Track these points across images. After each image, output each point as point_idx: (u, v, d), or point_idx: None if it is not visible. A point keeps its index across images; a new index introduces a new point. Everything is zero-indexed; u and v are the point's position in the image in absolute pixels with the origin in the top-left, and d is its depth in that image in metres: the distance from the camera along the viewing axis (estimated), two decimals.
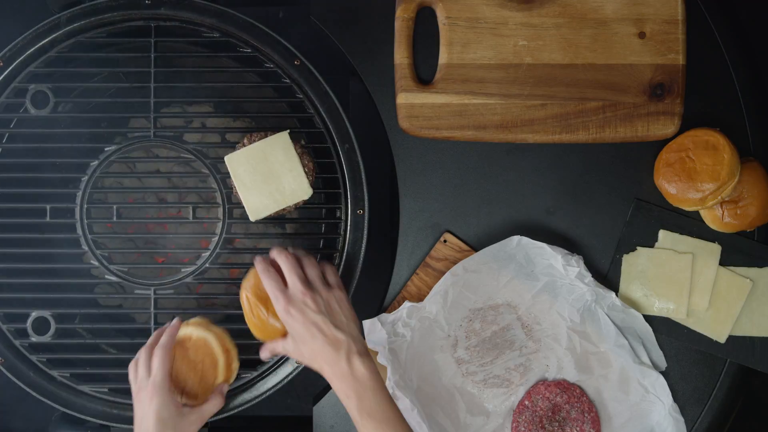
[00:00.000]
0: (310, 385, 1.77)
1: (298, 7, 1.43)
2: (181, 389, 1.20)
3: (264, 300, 1.18)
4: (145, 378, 1.15)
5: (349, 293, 1.29)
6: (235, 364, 1.24)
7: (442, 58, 1.30)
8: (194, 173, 1.31)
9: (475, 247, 1.31)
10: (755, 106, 1.32)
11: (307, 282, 1.15)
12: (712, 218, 1.28)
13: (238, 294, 1.30)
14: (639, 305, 1.30)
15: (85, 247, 1.29)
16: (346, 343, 1.11)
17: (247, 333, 1.22)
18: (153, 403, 1.12)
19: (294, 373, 1.29)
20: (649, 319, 1.29)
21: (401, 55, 1.29)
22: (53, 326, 1.29)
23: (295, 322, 1.12)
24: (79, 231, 1.29)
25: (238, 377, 1.29)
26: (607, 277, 1.31)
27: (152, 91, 1.29)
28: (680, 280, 1.29)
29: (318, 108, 1.29)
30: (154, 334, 1.20)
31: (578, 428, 1.27)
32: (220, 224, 1.30)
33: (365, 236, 1.28)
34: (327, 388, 1.34)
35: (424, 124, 1.29)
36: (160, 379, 1.13)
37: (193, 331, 1.21)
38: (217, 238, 1.30)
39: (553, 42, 1.29)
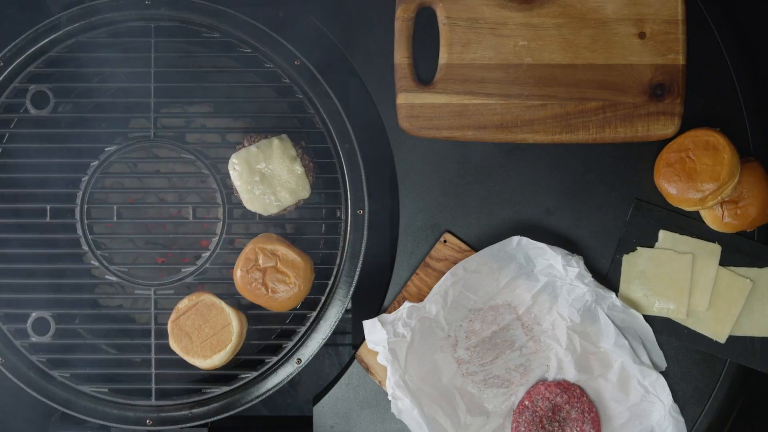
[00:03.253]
0: (311, 385, 1.77)
1: (298, 7, 1.42)
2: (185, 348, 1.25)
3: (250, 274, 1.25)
4: None
5: (349, 293, 1.29)
6: (245, 330, 1.27)
7: (442, 58, 1.30)
8: (194, 173, 1.31)
9: (476, 247, 1.31)
10: (755, 106, 1.32)
11: None
12: (712, 218, 1.28)
13: (238, 294, 1.30)
14: (639, 305, 1.30)
15: (85, 248, 1.29)
16: None
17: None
18: None
19: (294, 373, 1.29)
20: (649, 319, 1.29)
21: (401, 55, 1.29)
22: (53, 326, 1.28)
23: None
24: (80, 231, 1.29)
25: (237, 377, 1.29)
26: (607, 277, 1.31)
27: (152, 91, 1.29)
28: (680, 281, 1.29)
29: (318, 108, 1.29)
30: None
31: (578, 428, 1.27)
32: (220, 224, 1.30)
33: (365, 236, 1.28)
34: (327, 388, 1.34)
35: (424, 124, 1.29)
36: None
37: (207, 297, 1.25)
38: (217, 238, 1.30)
39: (553, 42, 1.29)
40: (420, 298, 1.31)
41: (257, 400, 1.29)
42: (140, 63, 1.30)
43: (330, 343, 1.32)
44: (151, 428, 1.29)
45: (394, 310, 1.30)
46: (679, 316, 1.30)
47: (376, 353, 1.28)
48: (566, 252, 1.27)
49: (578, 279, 1.26)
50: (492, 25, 1.29)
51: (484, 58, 1.29)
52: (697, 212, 1.30)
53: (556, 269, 1.27)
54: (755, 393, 1.34)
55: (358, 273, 1.29)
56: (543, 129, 1.29)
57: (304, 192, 1.26)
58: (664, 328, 1.30)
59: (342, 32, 1.33)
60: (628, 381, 1.28)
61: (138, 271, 1.31)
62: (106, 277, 1.30)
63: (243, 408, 1.29)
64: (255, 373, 1.29)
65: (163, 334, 1.27)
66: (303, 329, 1.30)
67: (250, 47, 1.30)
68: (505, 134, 1.29)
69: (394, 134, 1.33)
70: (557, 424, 1.28)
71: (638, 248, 1.31)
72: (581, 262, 1.27)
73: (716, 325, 1.29)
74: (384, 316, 1.28)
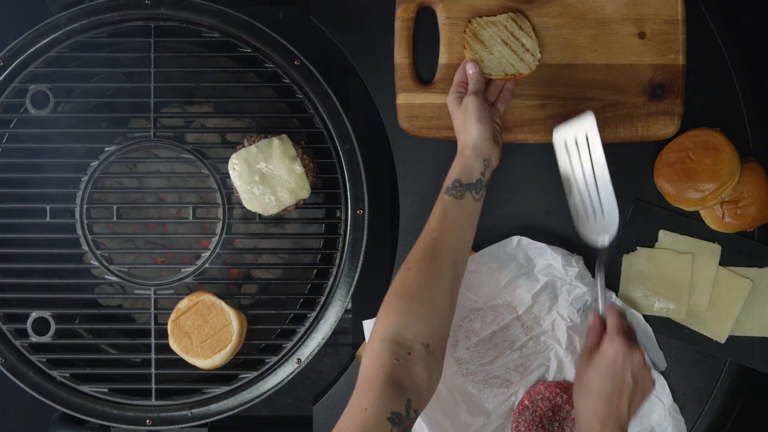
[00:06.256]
0: (310, 385, 1.78)
1: (298, 7, 1.43)
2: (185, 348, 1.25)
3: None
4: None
5: (349, 293, 1.29)
6: (245, 331, 1.27)
7: (442, 58, 1.30)
8: (194, 173, 1.31)
9: (475, 247, 1.31)
10: (755, 106, 1.32)
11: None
12: (712, 218, 1.28)
13: (238, 294, 1.30)
14: (639, 305, 1.30)
15: (85, 247, 1.29)
16: None
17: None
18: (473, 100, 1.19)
19: (294, 373, 1.29)
20: (649, 319, 1.29)
21: (401, 55, 1.29)
22: (53, 326, 1.28)
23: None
24: (79, 231, 1.29)
25: (237, 377, 1.29)
26: (607, 277, 1.31)
27: (152, 91, 1.29)
28: (680, 281, 1.29)
29: (318, 108, 1.29)
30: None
31: None
32: (220, 224, 1.30)
33: (365, 236, 1.28)
34: (327, 388, 1.34)
35: (424, 124, 1.29)
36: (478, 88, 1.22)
37: (207, 297, 1.25)
38: (217, 238, 1.30)
39: (553, 42, 1.29)
40: None
41: (257, 400, 1.29)
42: (140, 63, 1.30)
43: (330, 343, 1.32)
44: (151, 428, 1.29)
45: None
46: (679, 316, 1.30)
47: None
48: (566, 252, 1.27)
49: (578, 279, 1.26)
50: None
51: None
52: (697, 212, 1.30)
53: (556, 269, 1.27)
54: (755, 393, 1.34)
55: (358, 273, 1.29)
56: (543, 129, 1.29)
57: (304, 192, 1.26)
58: (664, 328, 1.30)
59: (342, 32, 1.33)
60: None
61: (138, 271, 1.31)
62: (106, 277, 1.30)
63: (243, 408, 1.29)
64: (255, 373, 1.29)
65: (163, 334, 1.27)
66: (303, 329, 1.30)
67: (250, 47, 1.30)
68: (505, 134, 1.29)
69: (394, 134, 1.33)
70: (557, 424, 1.28)
71: (638, 248, 1.31)
72: (581, 262, 1.27)
73: (716, 325, 1.29)
74: None
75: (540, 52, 1.26)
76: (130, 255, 1.36)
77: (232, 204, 1.30)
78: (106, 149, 1.30)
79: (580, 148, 1.20)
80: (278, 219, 1.31)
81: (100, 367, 1.32)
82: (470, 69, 1.23)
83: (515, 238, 1.28)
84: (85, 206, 1.29)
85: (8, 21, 1.42)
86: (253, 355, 1.32)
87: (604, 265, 1.19)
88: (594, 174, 1.20)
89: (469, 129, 1.19)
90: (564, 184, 1.22)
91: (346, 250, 1.29)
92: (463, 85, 1.24)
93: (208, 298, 1.25)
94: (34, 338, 1.28)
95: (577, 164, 1.21)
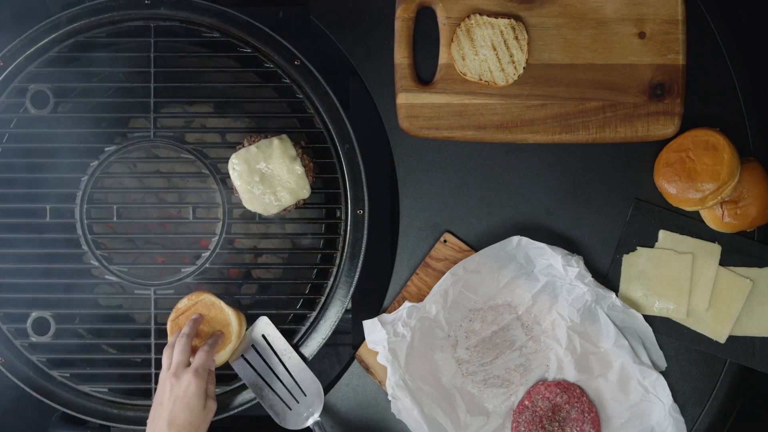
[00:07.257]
0: None
1: (298, 7, 1.43)
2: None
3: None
4: (182, 364, 1.17)
5: (349, 293, 1.29)
6: (245, 331, 1.27)
7: (442, 58, 1.30)
8: (194, 173, 1.31)
9: (475, 247, 1.31)
10: (755, 106, 1.32)
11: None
12: (712, 218, 1.28)
13: (238, 294, 1.30)
14: (639, 305, 1.30)
15: (85, 247, 1.29)
16: None
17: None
18: (191, 386, 1.15)
19: None
20: (649, 319, 1.29)
21: (401, 55, 1.30)
22: (53, 326, 1.28)
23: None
24: (79, 231, 1.29)
25: (237, 377, 1.29)
26: (607, 277, 1.31)
27: (152, 91, 1.29)
28: (680, 280, 1.29)
29: (318, 108, 1.29)
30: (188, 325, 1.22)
31: (578, 428, 1.28)
32: (220, 224, 1.30)
33: (365, 236, 1.28)
34: (327, 388, 1.34)
35: (424, 124, 1.29)
36: (201, 367, 1.17)
37: (206, 297, 1.25)
38: (217, 238, 1.30)
39: (553, 42, 1.29)
40: (420, 298, 1.31)
41: (257, 400, 1.29)
42: (140, 63, 1.30)
43: (330, 343, 1.32)
44: None
45: (394, 310, 1.30)
46: (679, 316, 1.30)
47: (376, 353, 1.28)
48: (566, 252, 1.27)
49: (578, 279, 1.26)
50: None
51: None
52: (697, 212, 1.30)
53: (556, 269, 1.27)
54: (755, 393, 1.34)
55: (358, 273, 1.29)
56: (543, 129, 1.29)
57: (304, 192, 1.26)
58: (664, 328, 1.30)
59: (342, 32, 1.33)
60: (628, 381, 1.28)
61: (138, 271, 1.31)
62: (106, 277, 1.30)
63: (243, 408, 1.29)
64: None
65: (163, 334, 1.27)
66: (303, 329, 1.30)
67: (250, 47, 1.30)
68: (505, 134, 1.29)
69: (394, 134, 1.33)
70: (557, 424, 1.28)
71: (638, 248, 1.31)
72: (581, 262, 1.27)
73: (716, 325, 1.29)
74: (384, 316, 1.28)
75: (524, 68, 1.26)
76: (130, 255, 1.36)
77: (232, 204, 1.30)
78: (106, 149, 1.30)
79: (260, 350, 1.26)
80: (278, 219, 1.31)
81: (100, 367, 1.32)
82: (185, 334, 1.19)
83: (515, 238, 1.28)
84: (85, 206, 1.29)
85: (8, 21, 1.42)
86: None
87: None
88: (283, 364, 1.26)
89: (179, 415, 1.14)
90: (254, 391, 1.26)
91: (346, 250, 1.29)
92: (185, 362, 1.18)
93: (208, 298, 1.25)
94: (34, 338, 1.28)
95: (261, 366, 1.26)
